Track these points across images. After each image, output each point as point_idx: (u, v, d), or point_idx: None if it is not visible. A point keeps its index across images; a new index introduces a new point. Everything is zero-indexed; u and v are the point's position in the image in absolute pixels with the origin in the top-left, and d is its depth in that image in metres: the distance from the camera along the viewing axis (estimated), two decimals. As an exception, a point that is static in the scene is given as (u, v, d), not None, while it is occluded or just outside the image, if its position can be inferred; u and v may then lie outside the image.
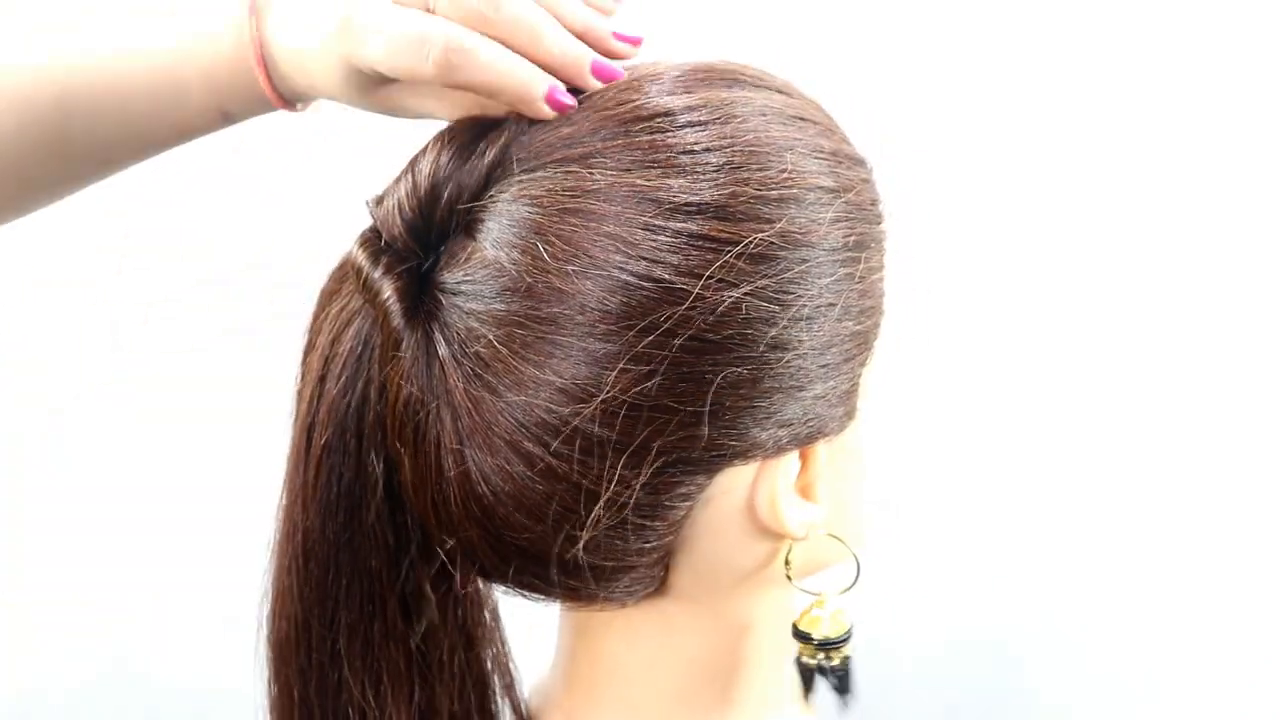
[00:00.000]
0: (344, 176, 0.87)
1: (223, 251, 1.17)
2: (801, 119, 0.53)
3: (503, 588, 0.56)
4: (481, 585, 0.58)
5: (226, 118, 0.60)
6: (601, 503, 0.50)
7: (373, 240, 0.53)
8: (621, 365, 0.48)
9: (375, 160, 0.62)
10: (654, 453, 0.49)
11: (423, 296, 0.52)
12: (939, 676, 1.24)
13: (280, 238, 1.15)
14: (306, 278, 0.58)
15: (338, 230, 0.57)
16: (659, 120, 0.50)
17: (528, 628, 0.63)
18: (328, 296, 0.55)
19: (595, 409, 0.49)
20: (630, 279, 0.48)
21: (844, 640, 0.56)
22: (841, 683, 0.57)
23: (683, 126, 0.50)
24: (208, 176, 1.13)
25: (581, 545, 0.51)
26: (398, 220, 0.52)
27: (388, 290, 0.51)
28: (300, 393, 0.54)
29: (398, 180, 0.54)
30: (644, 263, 0.48)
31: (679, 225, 0.49)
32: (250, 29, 0.56)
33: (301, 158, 1.10)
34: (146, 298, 1.17)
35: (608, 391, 0.48)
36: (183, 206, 1.16)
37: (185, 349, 1.18)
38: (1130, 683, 1.23)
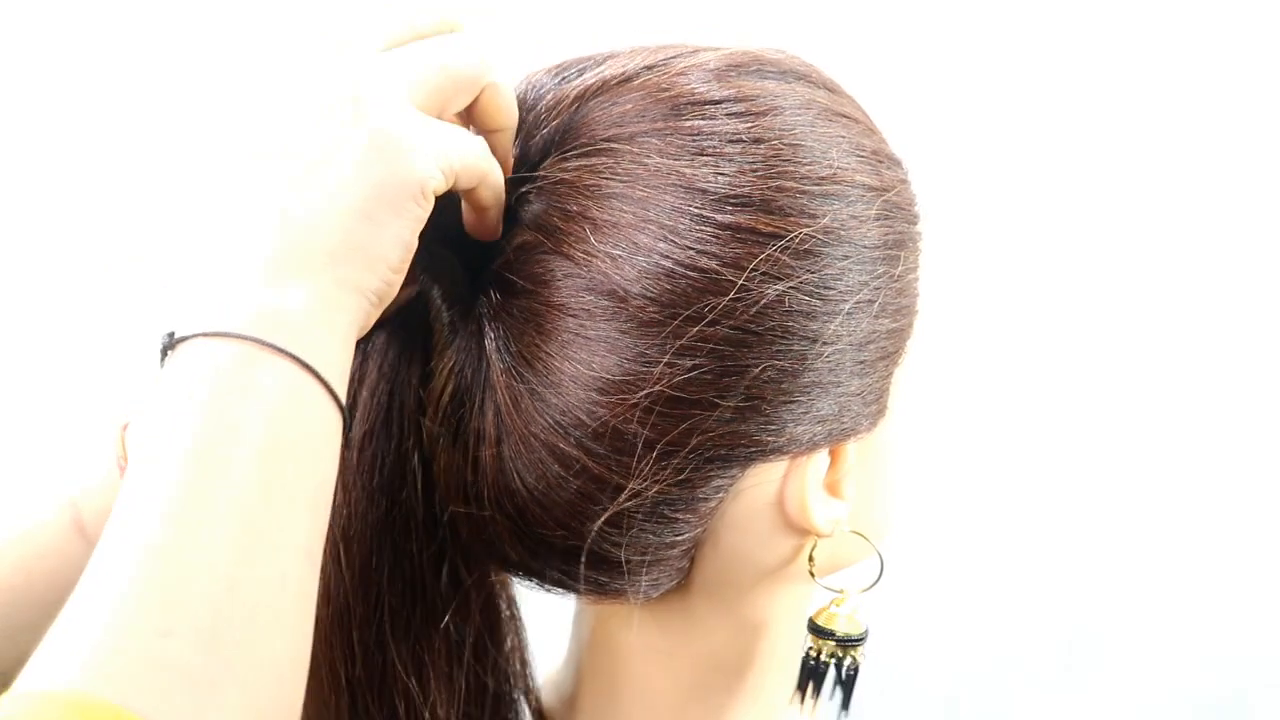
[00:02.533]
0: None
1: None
2: (845, 116, 0.53)
3: (526, 581, 0.56)
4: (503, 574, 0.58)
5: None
6: (636, 500, 0.50)
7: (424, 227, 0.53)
8: (666, 360, 0.48)
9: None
10: (691, 447, 0.50)
11: (474, 287, 0.52)
12: (938, 673, 1.24)
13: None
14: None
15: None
16: (707, 108, 0.51)
17: (542, 624, 0.63)
18: None
19: (636, 404, 0.49)
20: (675, 266, 0.48)
21: (859, 640, 0.56)
22: (847, 684, 0.57)
23: (730, 116, 0.51)
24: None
25: (613, 542, 0.51)
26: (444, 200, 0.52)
27: (441, 284, 0.52)
28: None
29: None
30: (690, 251, 0.49)
31: (724, 216, 0.49)
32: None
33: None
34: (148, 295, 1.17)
35: (651, 386, 0.48)
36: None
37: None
38: (1132, 688, 1.23)
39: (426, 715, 0.54)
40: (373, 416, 0.52)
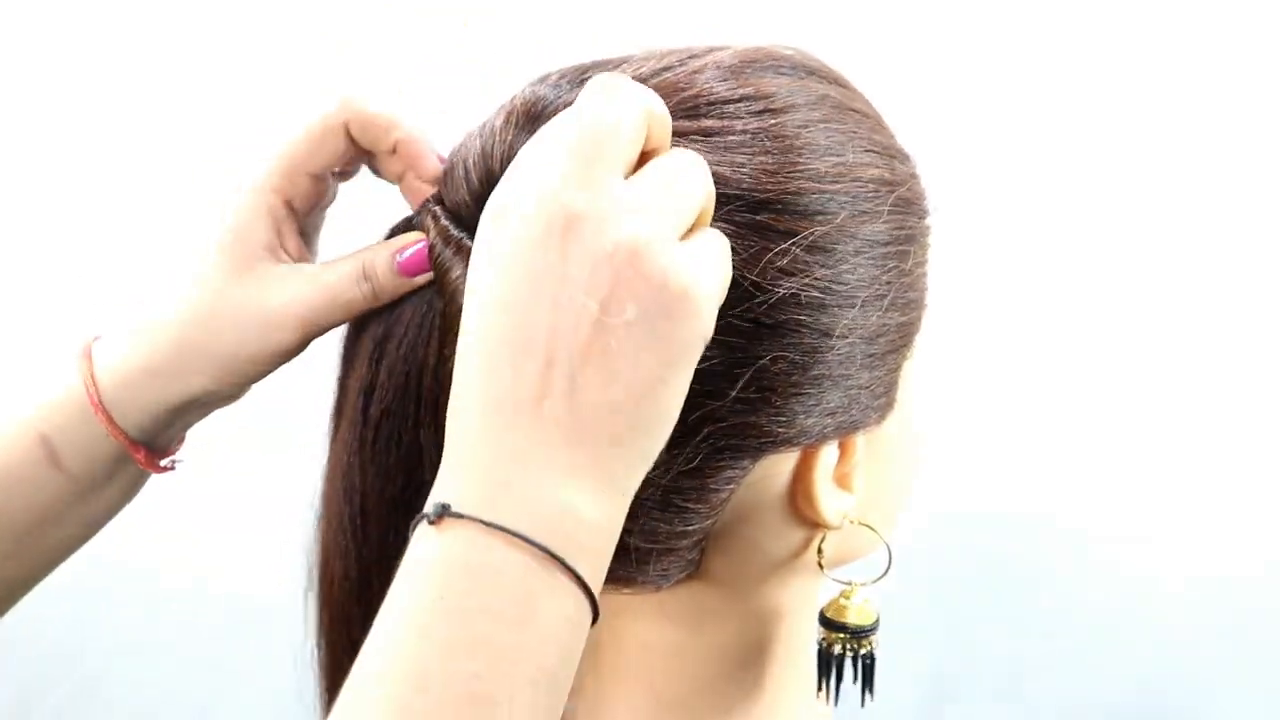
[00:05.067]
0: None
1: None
2: (856, 111, 0.54)
3: None
4: None
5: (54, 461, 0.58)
6: (649, 487, 0.50)
7: (440, 210, 0.54)
8: None
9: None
10: (703, 436, 0.50)
11: None
12: (939, 672, 1.25)
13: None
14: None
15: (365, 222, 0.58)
16: (724, 107, 0.51)
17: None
18: None
19: None
20: None
21: (871, 630, 0.57)
22: (865, 674, 0.57)
23: (746, 114, 0.51)
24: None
25: (623, 529, 0.51)
26: (464, 189, 0.53)
27: (458, 270, 0.52)
28: (352, 355, 0.55)
29: (463, 145, 0.54)
30: None
31: (742, 214, 0.49)
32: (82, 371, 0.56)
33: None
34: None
35: None
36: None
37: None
38: (1132, 686, 1.24)
39: None
40: (390, 397, 0.53)
